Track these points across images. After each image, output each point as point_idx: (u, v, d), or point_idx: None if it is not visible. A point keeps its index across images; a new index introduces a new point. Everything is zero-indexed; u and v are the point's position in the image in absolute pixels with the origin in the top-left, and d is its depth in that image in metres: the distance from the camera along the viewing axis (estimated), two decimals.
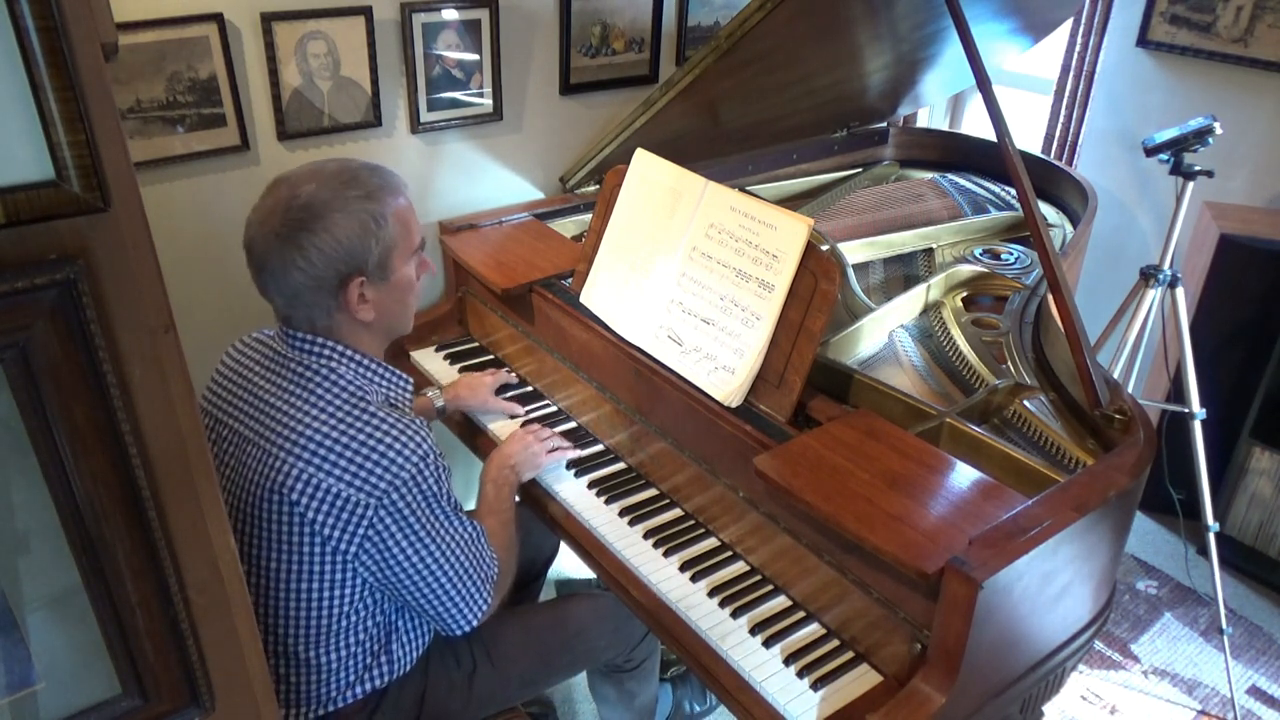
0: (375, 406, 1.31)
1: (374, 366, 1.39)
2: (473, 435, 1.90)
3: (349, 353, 1.36)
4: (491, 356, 2.10)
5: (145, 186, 1.27)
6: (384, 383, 1.39)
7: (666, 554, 1.55)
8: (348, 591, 1.32)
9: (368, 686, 1.42)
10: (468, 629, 1.42)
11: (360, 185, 1.31)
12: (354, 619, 1.36)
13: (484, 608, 1.42)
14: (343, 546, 1.28)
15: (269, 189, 1.33)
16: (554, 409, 1.92)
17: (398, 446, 1.27)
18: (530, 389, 1.99)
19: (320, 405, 1.30)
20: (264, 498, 1.28)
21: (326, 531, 1.26)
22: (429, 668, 1.50)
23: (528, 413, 1.90)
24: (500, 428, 1.87)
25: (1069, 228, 2.33)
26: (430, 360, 2.09)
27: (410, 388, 1.45)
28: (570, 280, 1.88)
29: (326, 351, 1.35)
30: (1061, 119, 2.89)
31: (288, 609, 1.32)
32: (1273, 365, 2.39)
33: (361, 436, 1.27)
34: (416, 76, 2.03)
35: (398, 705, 1.46)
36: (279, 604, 1.31)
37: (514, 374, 2.00)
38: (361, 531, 1.27)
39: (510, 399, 1.92)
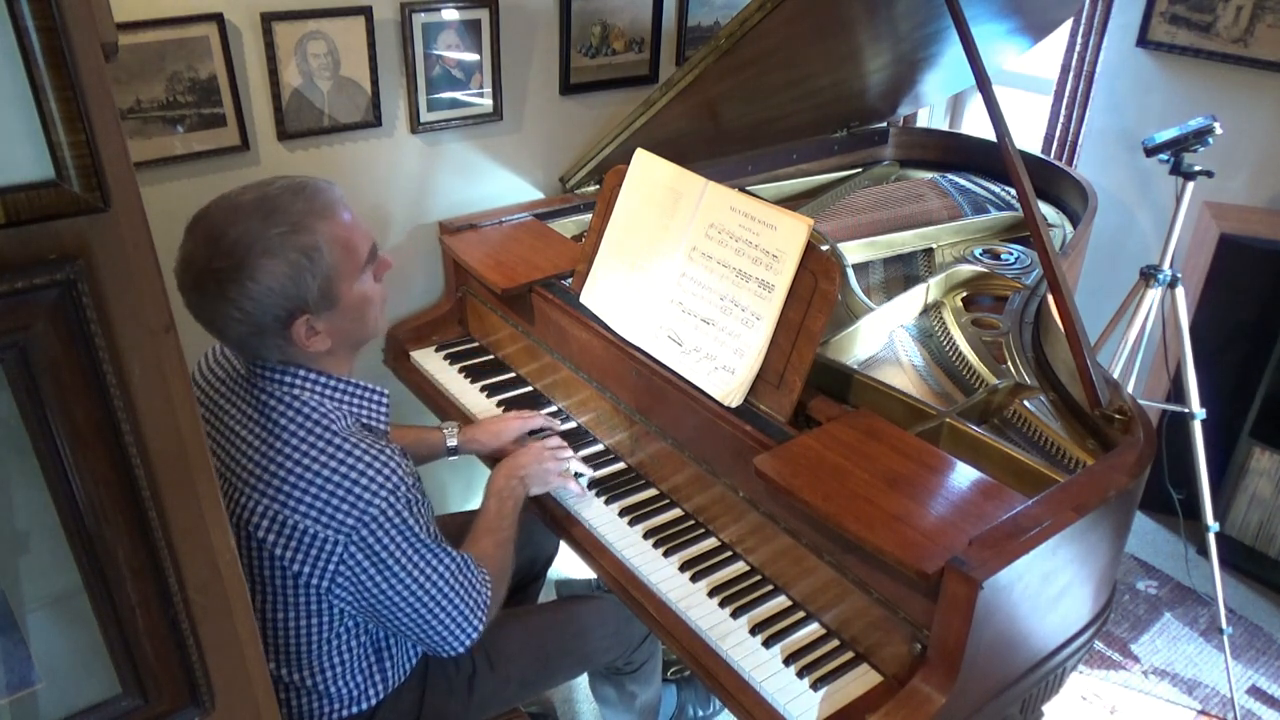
0: (343, 434, 1.24)
1: (341, 386, 1.31)
2: None
3: (312, 375, 1.28)
4: (491, 356, 2.10)
5: (145, 186, 1.26)
6: (355, 403, 1.32)
7: (666, 554, 1.55)
8: (325, 620, 1.29)
9: (364, 705, 1.40)
10: (454, 654, 1.37)
11: (283, 217, 1.19)
12: (336, 643, 1.33)
13: (473, 634, 1.36)
14: (314, 581, 1.24)
15: (187, 232, 1.22)
16: (554, 409, 1.92)
17: (364, 481, 1.20)
18: (530, 389, 1.99)
19: (284, 437, 1.23)
20: (231, 533, 1.25)
21: (296, 568, 1.22)
22: (428, 670, 1.50)
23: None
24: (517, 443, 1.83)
25: (1069, 228, 2.33)
26: (430, 360, 2.09)
27: (386, 402, 1.37)
28: (570, 280, 1.88)
29: (288, 378, 1.27)
30: (1061, 119, 2.88)
31: (267, 638, 1.28)
32: (1273, 365, 2.39)
33: (327, 471, 1.20)
34: (416, 76, 2.03)
35: (396, 708, 1.45)
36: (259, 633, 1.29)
37: (543, 414, 1.86)
38: (333, 568, 1.22)
39: (510, 399, 1.91)
